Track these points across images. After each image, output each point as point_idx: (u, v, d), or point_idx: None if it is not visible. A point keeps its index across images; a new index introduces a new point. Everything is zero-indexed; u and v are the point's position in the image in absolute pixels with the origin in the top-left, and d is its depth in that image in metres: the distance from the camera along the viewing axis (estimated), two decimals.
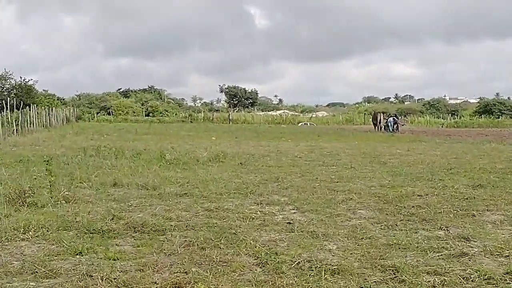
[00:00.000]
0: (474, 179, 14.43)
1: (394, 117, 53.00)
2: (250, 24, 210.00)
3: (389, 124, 51.28)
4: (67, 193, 11.06)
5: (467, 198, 11.48)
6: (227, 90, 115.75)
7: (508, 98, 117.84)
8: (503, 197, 11.64)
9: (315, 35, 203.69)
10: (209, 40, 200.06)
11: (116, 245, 7.68)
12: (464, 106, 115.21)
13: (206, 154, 20.75)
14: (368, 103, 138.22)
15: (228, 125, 69.75)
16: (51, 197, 10.54)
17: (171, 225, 8.84)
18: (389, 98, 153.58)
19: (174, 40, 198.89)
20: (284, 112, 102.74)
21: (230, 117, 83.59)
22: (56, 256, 7.09)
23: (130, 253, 7.28)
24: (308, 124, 78.77)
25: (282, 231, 8.60)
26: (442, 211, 10.15)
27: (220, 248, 7.49)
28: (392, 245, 7.70)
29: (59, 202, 10.36)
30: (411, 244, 7.73)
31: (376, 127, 54.29)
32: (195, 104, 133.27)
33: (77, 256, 7.09)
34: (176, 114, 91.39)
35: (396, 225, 9.07)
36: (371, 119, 62.15)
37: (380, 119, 54.54)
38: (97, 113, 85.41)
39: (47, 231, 8.29)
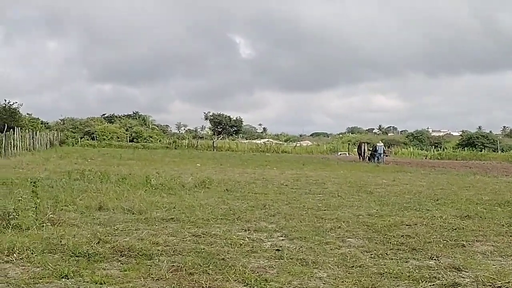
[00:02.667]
0: (462, 210, 14.39)
1: (383, 147, 52.83)
2: (234, 53, 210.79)
3: (379, 156, 50.80)
4: (52, 215, 10.89)
5: (455, 229, 11.42)
6: (212, 117, 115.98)
7: (490, 131, 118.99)
8: (491, 228, 11.59)
9: (298, 65, 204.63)
10: (193, 67, 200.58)
11: (102, 269, 7.53)
12: (447, 138, 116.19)
13: (192, 180, 20.61)
14: (351, 133, 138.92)
15: (213, 152, 69.58)
16: (36, 219, 10.36)
17: (158, 250, 8.70)
18: (373, 129, 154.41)
19: (157, 67, 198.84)
20: (268, 141, 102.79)
21: (215, 144, 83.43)
22: (41, 279, 6.93)
23: (117, 277, 7.13)
24: (347, 154, 78.19)
25: (271, 258, 8.48)
26: (431, 241, 10.08)
27: (209, 273, 7.36)
28: (383, 274, 7.61)
29: (44, 225, 10.18)
30: (402, 273, 7.65)
31: (361, 157, 54.34)
32: (179, 131, 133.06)
33: (63, 280, 6.93)
34: (160, 141, 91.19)
35: (386, 254, 8.99)
36: (356, 149, 62.29)
37: (364, 149, 54.59)
38: (81, 138, 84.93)
39: (32, 253, 8.13)
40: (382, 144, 54.35)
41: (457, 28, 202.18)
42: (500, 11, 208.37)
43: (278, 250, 9.05)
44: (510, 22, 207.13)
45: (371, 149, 53.49)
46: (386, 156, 56.30)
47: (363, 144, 57.55)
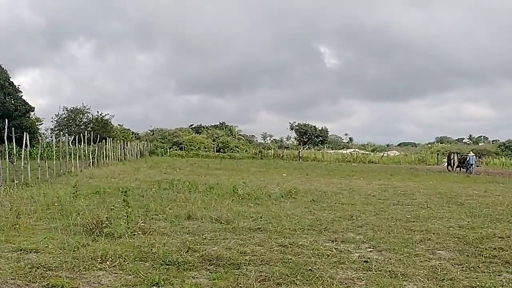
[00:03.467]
0: None
1: (474, 157, 51.26)
2: (319, 63, 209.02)
3: (470, 166, 49.22)
4: (142, 224, 11.19)
5: None
6: (297, 127, 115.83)
7: None
8: None
9: (384, 74, 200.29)
10: (278, 78, 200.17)
11: (191, 277, 7.67)
12: None
13: (278, 190, 20.69)
14: (441, 143, 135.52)
15: (298, 162, 69.55)
16: (128, 228, 10.66)
17: (246, 259, 8.79)
18: (463, 138, 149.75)
19: (243, 78, 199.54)
20: (354, 151, 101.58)
21: (300, 154, 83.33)
22: (133, 287, 7.14)
23: (205, 286, 7.26)
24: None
25: (359, 270, 8.40)
26: None
27: (296, 284, 7.38)
28: (475, 287, 7.42)
29: (135, 233, 10.48)
30: (495, 287, 7.44)
31: (450, 167, 53.02)
32: (265, 141, 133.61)
33: (154, 287, 7.10)
34: (246, 151, 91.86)
35: (478, 267, 8.75)
36: (446, 159, 60.76)
37: (454, 159, 53.16)
38: (170, 148, 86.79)
39: (124, 261, 8.39)
40: (473, 154, 52.77)
41: None
42: None
43: (366, 261, 8.96)
44: None
45: (460, 159, 52.06)
46: (477, 166, 54.64)
47: (452, 154, 56.09)
